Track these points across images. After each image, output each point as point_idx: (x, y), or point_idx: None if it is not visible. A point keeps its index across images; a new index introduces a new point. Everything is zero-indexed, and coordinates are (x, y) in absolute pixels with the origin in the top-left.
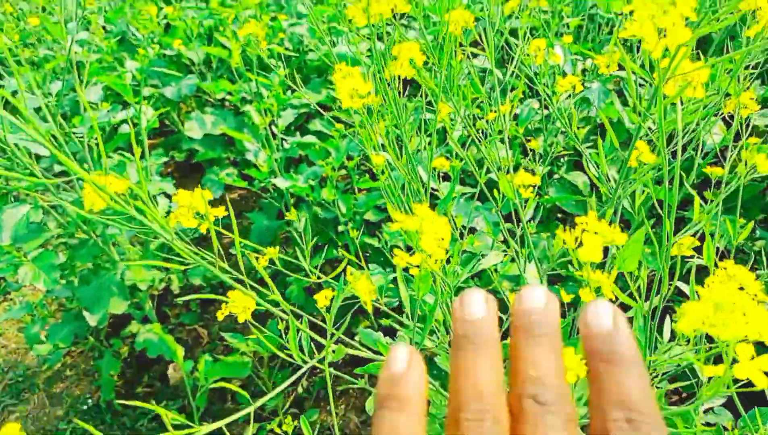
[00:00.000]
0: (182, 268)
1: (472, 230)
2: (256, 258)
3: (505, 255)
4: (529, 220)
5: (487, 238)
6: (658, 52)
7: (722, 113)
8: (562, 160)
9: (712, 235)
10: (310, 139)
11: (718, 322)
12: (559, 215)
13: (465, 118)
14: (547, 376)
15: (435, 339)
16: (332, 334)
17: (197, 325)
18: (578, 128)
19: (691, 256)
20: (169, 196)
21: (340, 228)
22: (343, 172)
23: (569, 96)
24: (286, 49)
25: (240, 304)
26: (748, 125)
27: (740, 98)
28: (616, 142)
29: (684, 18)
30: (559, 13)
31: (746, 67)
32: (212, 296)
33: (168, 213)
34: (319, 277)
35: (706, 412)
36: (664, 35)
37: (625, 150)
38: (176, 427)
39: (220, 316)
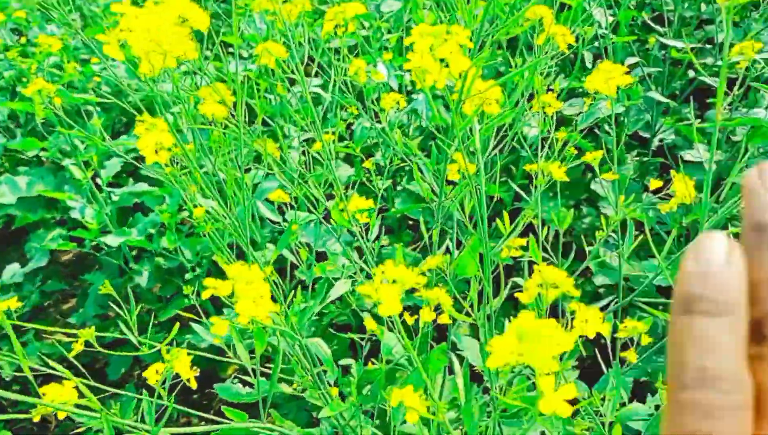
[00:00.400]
0: None
1: (323, 255)
2: (73, 342)
3: (353, 280)
4: (376, 238)
5: (343, 259)
6: (442, 82)
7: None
8: (404, 170)
9: (544, 222)
10: (142, 186)
11: (526, 351)
12: (410, 222)
13: (301, 143)
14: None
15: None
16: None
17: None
18: (412, 139)
19: (521, 256)
20: None
21: (188, 275)
22: (187, 213)
23: (397, 110)
24: (100, 95)
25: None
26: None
27: (543, 97)
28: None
29: (461, 46)
30: (378, 29)
31: (552, 58)
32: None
33: None
34: (152, 347)
35: None
36: (446, 65)
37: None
38: None
39: (36, 417)
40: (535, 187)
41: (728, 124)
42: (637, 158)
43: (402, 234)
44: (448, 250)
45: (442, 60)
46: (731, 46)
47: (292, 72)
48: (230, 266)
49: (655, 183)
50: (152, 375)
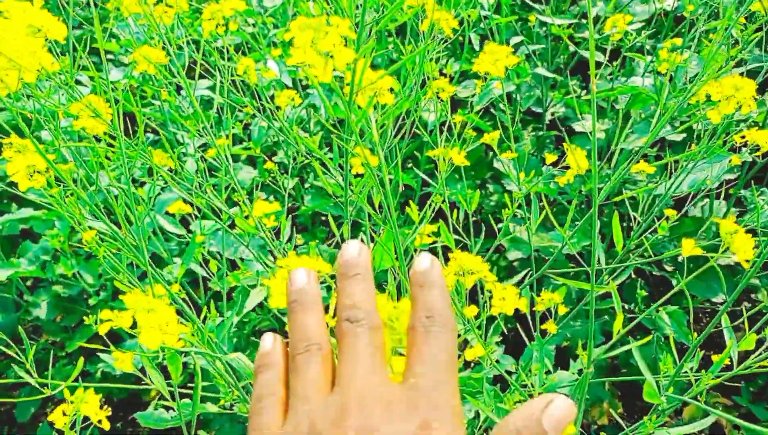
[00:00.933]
0: None
1: (235, 263)
2: None
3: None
4: (289, 239)
5: (257, 264)
6: (328, 76)
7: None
8: (311, 167)
9: (454, 204)
10: (28, 211)
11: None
12: (323, 218)
13: (197, 150)
14: (358, 301)
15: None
16: None
17: None
18: (313, 134)
19: (434, 242)
20: None
21: (92, 301)
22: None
23: (294, 106)
24: None
25: None
26: (453, 101)
27: (436, 83)
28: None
29: (343, 38)
30: (264, 25)
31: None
32: None
33: None
34: (57, 386)
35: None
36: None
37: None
38: None
39: None
40: (440, 171)
41: (609, 93)
42: (533, 133)
43: (316, 231)
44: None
45: (326, 53)
46: (605, 19)
47: (174, 76)
48: (128, 295)
49: (550, 157)
50: (59, 418)
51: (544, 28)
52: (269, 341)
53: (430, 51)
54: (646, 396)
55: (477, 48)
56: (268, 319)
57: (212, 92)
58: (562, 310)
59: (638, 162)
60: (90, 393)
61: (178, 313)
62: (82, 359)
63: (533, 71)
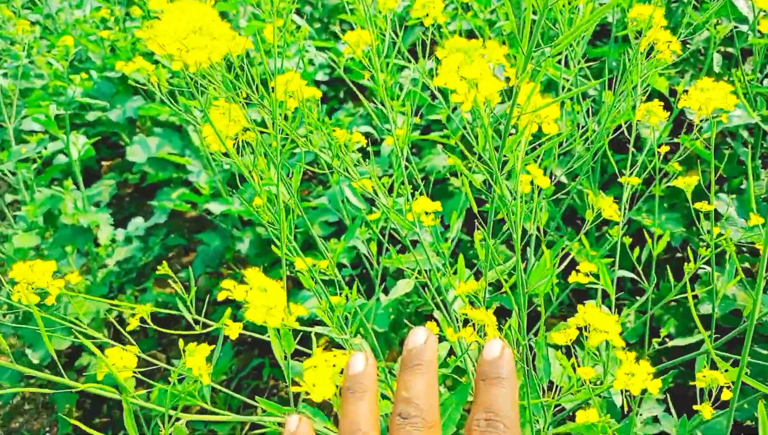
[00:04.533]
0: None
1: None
2: (132, 315)
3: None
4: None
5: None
6: (468, 105)
7: None
8: None
9: (651, 235)
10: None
11: None
12: None
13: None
14: (415, 396)
15: None
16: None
17: (155, 351)
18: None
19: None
20: (113, 225)
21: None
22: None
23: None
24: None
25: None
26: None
27: (645, 106)
28: None
29: (491, 67)
30: None
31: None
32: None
33: (113, 240)
34: (205, 326)
35: (646, 422)
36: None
37: None
38: None
39: None
40: (630, 197)
41: None
42: None
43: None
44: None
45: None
46: None
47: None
48: (248, 271)
49: (755, 219)
50: (196, 364)
51: None
52: (294, 423)
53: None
54: None
55: (717, 69)
56: (429, 304)
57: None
58: (727, 396)
59: None
60: (200, 351)
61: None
62: (229, 310)
63: None
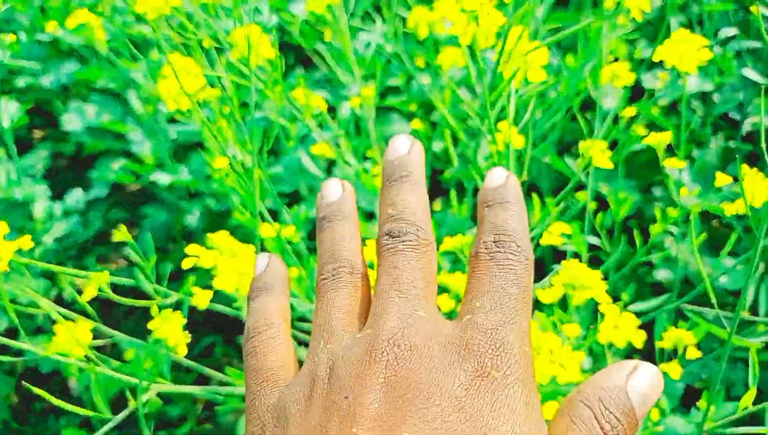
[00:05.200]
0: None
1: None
2: (79, 292)
3: None
4: None
5: None
6: (467, 39)
7: None
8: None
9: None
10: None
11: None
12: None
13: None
14: (403, 211)
15: None
16: None
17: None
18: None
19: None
20: (52, 198)
21: (235, 221)
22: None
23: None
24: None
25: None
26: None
27: (609, 68)
28: None
29: None
30: None
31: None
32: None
33: (50, 216)
34: (166, 295)
35: None
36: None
37: None
38: None
39: None
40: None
41: None
42: (725, 143)
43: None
44: None
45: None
46: None
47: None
48: (216, 235)
49: (722, 178)
50: (169, 332)
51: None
52: (263, 261)
53: (615, 29)
54: None
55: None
56: None
57: (385, 40)
58: (693, 354)
59: None
60: (174, 318)
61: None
62: (192, 278)
63: (742, 72)
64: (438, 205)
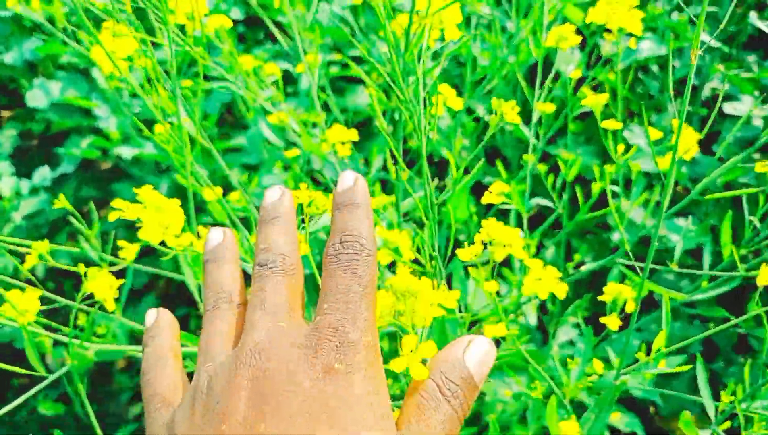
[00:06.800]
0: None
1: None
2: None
3: None
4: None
5: None
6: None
7: None
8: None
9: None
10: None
11: (406, 310)
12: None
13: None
14: (271, 245)
15: None
16: None
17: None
18: None
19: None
20: (17, 176)
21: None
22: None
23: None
24: None
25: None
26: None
27: (556, 30)
28: None
29: None
30: None
31: None
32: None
33: (17, 193)
34: (112, 264)
35: (563, 346)
36: None
37: None
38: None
39: None
40: (539, 129)
41: None
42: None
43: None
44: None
45: None
46: None
47: None
48: (142, 189)
49: (654, 133)
50: (102, 289)
51: None
52: (152, 316)
53: None
54: (681, 424)
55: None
56: None
57: (351, 13)
58: (630, 307)
59: None
60: (102, 274)
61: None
62: (137, 246)
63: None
64: (393, 168)
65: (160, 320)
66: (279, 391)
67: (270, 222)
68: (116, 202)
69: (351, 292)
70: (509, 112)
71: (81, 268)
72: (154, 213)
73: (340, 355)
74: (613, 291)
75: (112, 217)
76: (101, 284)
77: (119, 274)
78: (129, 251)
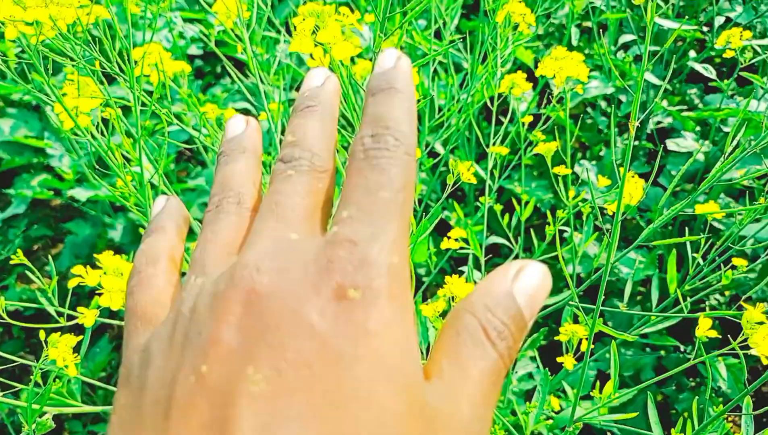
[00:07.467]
0: None
1: None
2: None
3: None
4: None
5: None
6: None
7: None
8: None
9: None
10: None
11: None
12: None
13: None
14: (301, 139)
15: None
16: None
17: (22, 353)
18: None
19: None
20: None
21: None
22: (175, 166)
23: None
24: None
25: None
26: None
27: (508, 78)
28: None
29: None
30: None
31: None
32: None
33: None
34: (70, 318)
35: (521, 379)
36: None
37: None
38: None
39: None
40: (494, 165)
41: (715, 114)
42: (627, 142)
43: None
44: None
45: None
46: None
47: None
48: (104, 255)
49: (602, 181)
50: (61, 355)
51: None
52: (160, 203)
53: (517, 40)
54: None
55: (575, 43)
56: None
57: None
58: (584, 346)
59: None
60: (64, 340)
61: None
62: (96, 311)
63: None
64: None
65: (168, 209)
66: (276, 323)
67: (306, 110)
68: (76, 269)
69: (379, 199)
70: (465, 172)
71: (42, 334)
72: (115, 279)
73: (356, 280)
74: (568, 330)
75: (72, 283)
76: (62, 350)
77: (76, 327)
78: (88, 318)
